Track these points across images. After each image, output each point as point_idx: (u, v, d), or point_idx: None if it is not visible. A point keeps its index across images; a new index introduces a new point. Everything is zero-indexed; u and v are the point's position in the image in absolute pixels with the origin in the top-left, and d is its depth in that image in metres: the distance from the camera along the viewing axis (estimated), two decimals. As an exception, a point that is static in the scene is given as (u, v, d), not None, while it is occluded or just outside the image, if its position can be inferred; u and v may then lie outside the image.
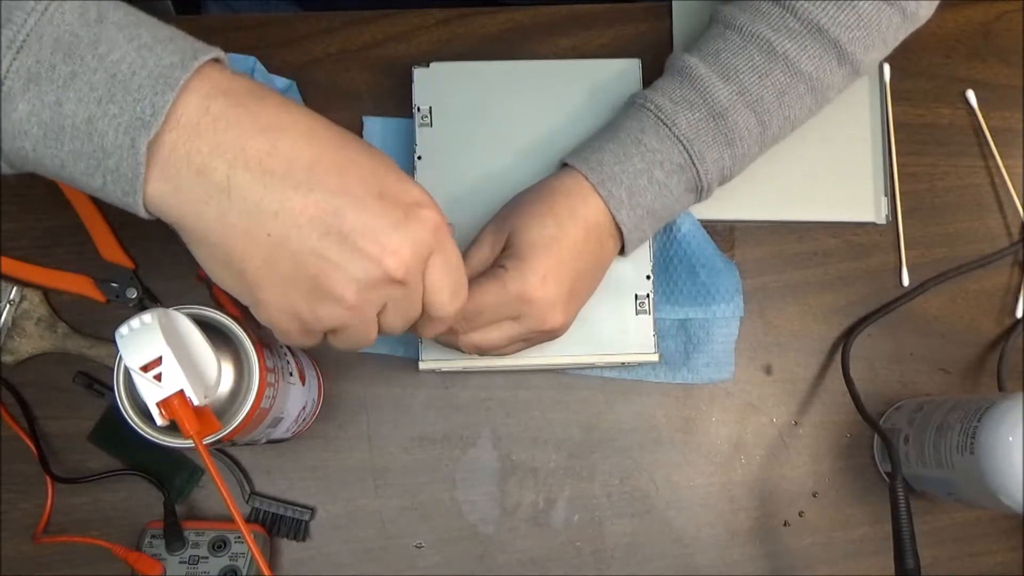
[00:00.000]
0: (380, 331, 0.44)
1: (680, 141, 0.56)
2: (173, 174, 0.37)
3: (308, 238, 0.39)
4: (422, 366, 0.61)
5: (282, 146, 0.38)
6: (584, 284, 0.57)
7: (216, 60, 0.39)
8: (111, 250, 0.65)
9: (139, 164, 0.36)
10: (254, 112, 0.38)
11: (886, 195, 0.66)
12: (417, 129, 0.63)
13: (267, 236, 0.38)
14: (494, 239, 0.57)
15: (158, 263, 0.65)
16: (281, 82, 0.65)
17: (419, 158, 0.63)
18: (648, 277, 0.62)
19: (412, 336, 0.63)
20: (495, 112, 0.64)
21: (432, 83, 0.64)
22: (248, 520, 0.63)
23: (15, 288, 0.64)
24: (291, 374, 0.56)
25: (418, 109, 0.64)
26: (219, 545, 0.61)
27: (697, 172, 0.57)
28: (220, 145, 0.37)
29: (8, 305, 0.64)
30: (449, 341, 0.56)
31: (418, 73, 0.64)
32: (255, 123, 0.38)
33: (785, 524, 0.66)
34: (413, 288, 0.42)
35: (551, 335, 0.57)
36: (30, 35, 0.35)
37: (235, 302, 0.60)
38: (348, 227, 0.39)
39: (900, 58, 0.69)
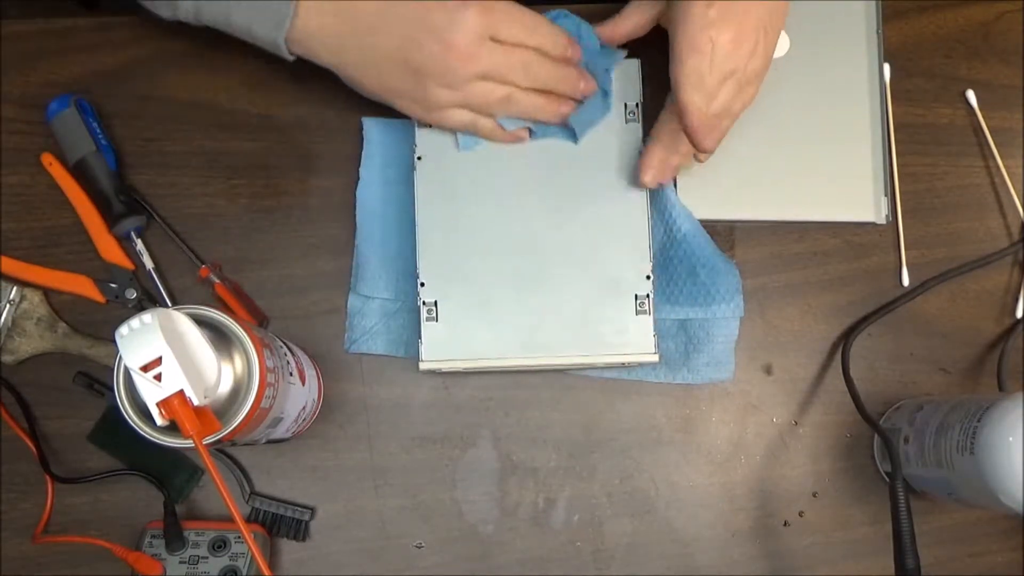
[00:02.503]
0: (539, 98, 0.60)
1: None
2: (309, 43, 0.56)
3: (403, 59, 0.56)
4: (422, 366, 0.61)
5: (360, 5, 0.55)
6: None
7: None
8: (111, 250, 0.65)
9: (281, 49, 0.56)
10: None
11: (886, 195, 0.66)
12: (417, 129, 0.63)
13: (377, 66, 0.56)
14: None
15: (158, 263, 0.65)
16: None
17: (419, 158, 0.62)
18: (648, 277, 0.62)
19: (412, 336, 0.63)
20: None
21: None
22: (248, 520, 0.63)
23: (15, 288, 0.64)
24: (291, 374, 0.56)
25: None
26: (219, 545, 0.61)
27: None
28: (325, 21, 0.54)
29: (8, 305, 0.64)
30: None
31: None
32: None
33: (785, 524, 0.66)
34: (488, 59, 0.56)
35: (748, 63, 0.56)
36: None
37: (236, 301, 0.60)
38: (421, 41, 0.55)
39: (900, 58, 0.69)
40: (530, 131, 0.62)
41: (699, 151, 0.60)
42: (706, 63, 0.54)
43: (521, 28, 0.57)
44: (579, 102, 0.62)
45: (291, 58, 0.57)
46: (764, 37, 0.57)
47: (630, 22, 0.62)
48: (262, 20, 0.55)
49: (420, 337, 0.61)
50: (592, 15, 0.66)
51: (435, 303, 0.61)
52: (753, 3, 0.55)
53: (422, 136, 0.63)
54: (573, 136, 0.62)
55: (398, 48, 0.55)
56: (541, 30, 0.58)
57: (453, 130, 0.61)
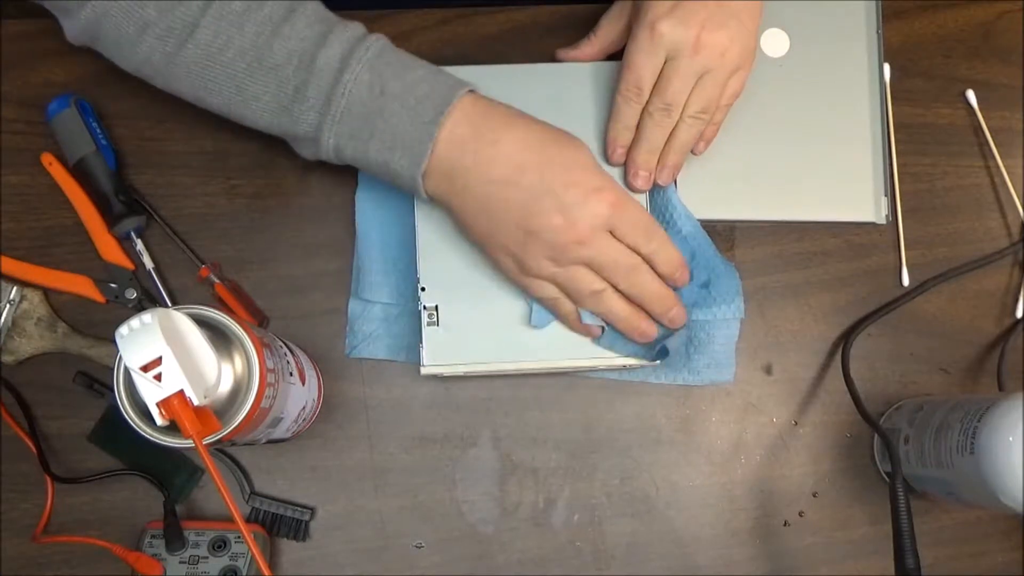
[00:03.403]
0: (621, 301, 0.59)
1: None
2: (436, 178, 0.56)
3: (521, 217, 0.55)
4: (424, 371, 0.61)
5: (498, 154, 0.55)
6: None
7: (470, 91, 0.56)
8: (111, 250, 0.65)
9: (418, 185, 0.56)
10: (481, 130, 0.55)
11: (886, 195, 0.66)
12: None
13: (494, 216, 0.56)
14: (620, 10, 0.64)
15: (158, 263, 0.65)
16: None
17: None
18: (648, 277, 0.62)
19: (414, 341, 0.63)
20: None
21: None
22: (248, 520, 0.63)
23: (15, 288, 0.64)
24: (291, 374, 0.56)
25: None
26: (219, 545, 0.61)
27: None
28: (460, 158, 0.55)
29: (8, 305, 0.64)
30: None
31: None
32: (483, 139, 0.55)
33: (785, 524, 0.66)
34: (600, 247, 0.56)
35: (723, 58, 0.58)
36: (343, 112, 0.54)
37: (236, 301, 0.60)
38: (545, 209, 0.55)
39: (900, 58, 0.69)
40: (602, 329, 0.61)
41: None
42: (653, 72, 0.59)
43: (641, 233, 0.57)
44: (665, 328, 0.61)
45: (426, 198, 0.57)
46: (738, 26, 0.58)
47: (605, 39, 0.64)
48: (401, 156, 0.55)
49: (421, 342, 0.61)
50: (592, 15, 0.66)
51: (436, 308, 0.61)
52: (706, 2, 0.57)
53: None
54: (639, 352, 0.61)
55: (523, 207, 0.55)
56: (658, 240, 0.58)
57: (537, 299, 0.60)
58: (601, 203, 0.55)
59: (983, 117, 0.69)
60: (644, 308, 0.59)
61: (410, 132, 0.54)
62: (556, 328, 0.61)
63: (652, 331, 0.60)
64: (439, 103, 0.54)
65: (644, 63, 0.58)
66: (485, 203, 0.56)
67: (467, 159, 0.55)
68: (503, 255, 0.58)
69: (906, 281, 0.68)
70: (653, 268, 0.59)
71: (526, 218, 0.55)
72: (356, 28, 0.56)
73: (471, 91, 0.56)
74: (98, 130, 0.64)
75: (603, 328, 0.60)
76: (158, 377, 0.45)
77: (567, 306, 0.59)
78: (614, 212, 0.56)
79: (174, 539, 0.60)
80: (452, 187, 0.56)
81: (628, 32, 0.62)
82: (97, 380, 0.64)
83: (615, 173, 0.63)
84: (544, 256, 0.56)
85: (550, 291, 0.59)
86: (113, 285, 0.65)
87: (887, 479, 0.64)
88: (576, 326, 0.60)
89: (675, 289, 0.65)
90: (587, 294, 0.58)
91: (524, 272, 0.58)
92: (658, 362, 0.61)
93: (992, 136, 0.69)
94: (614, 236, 0.57)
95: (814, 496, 0.66)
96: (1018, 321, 0.68)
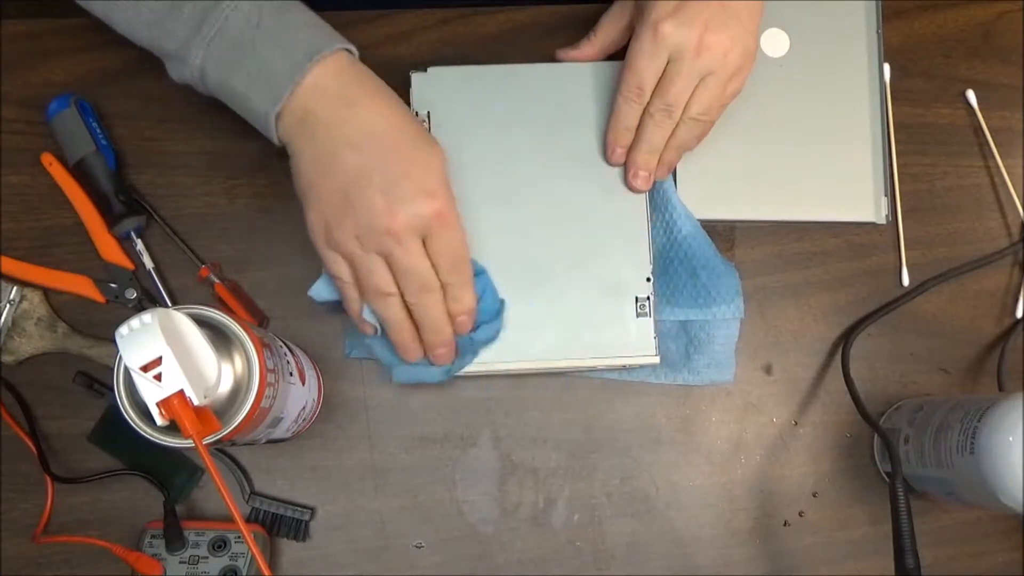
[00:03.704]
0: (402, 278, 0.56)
1: None
2: (289, 121, 0.55)
3: (347, 182, 0.54)
4: None
5: (354, 117, 0.54)
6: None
7: (349, 51, 0.55)
8: (111, 250, 0.65)
9: (270, 124, 0.55)
10: (347, 88, 0.54)
11: (886, 195, 0.66)
12: None
13: (326, 170, 0.55)
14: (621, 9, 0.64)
15: (158, 263, 0.65)
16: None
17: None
18: (648, 280, 0.62)
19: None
20: (495, 116, 0.64)
21: (430, 88, 0.64)
22: (248, 520, 0.63)
23: (15, 288, 0.64)
24: (291, 374, 0.56)
25: (416, 114, 0.64)
26: (219, 545, 0.61)
27: None
28: (317, 109, 0.54)
29: (8, 305, 0.64)
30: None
31: (416, 78, 0.64)
32: (345, 96, 0.54)
33: (785, 524, 0.66)
34: (407, 248, 0.54)
35: (725, 59, 0.58)
36: (215, 35, 0.54)
37: (236, 301, 0.60)
38: (373, 184, 0.53)
39: (900, 58, 0.69)
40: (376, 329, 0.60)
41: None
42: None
43: (450, 259, 0.56)
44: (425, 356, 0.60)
45: (276, 140, 0.56)
46: (739, 26, 0.58)
47: (605, 39, 0.64)
48: (261, 91, 0.54)
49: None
50: (592, 15, 0.66)
51: None
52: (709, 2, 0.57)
53: None
54: (390, 366, 0.60)
55: (354, 173, 0.54)
56: (462, 277, 0.57)
57: (329, 275, 0.59)
58: (427, 206, 0.54)
59: (983, 117, 0.69)
60: (420, 331, 0.58)
61: (276, 69, 0.53)
62: (556, 328, 0.61)
63: (416, 355, 0.59)
64: (312, 49, 0.54)
65: (646, 64, 0.58)
66: (322, 159, 0.55)
67: (323, 111, 0.54)
68: (316, 214, 0.56)
69: (906, 281, 0.68)
70: (445, 298, 0.57)
71: (352, 187, 0.54)
72: None
73: (350, 52, 0.56)
74: (98, 130, 0.64)
75: (376, 329, 0.60)
76: (158, 377, 0.45)
77: (353, 293, 0.58)
78: (435, 223, 0.55)
79: (174, 539, 0.60)
80: (300, 132, 0.55)
81: (628, 32, 0.62)
82: (97, 380, 0.64)
83: (615, 173, 0.63)
84: (352, 232, 0.55)
85: (344, 272, 0.57)
86: (113, 285, 0.65)
87: (887, 479, 0.64)
88: (355, 316, 0.59)
89: (675, 291, 0.65)
90: (375, 291, 0.56)
91: (328, 242, 0.56)
92: (658, 360, 0.61)
93: (992, 136, 0.69)
94: (425, 247, 0.55)
95: (814, 496, 0.66)
96: (1018, 321, 0.68)
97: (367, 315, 0.59)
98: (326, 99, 0.54)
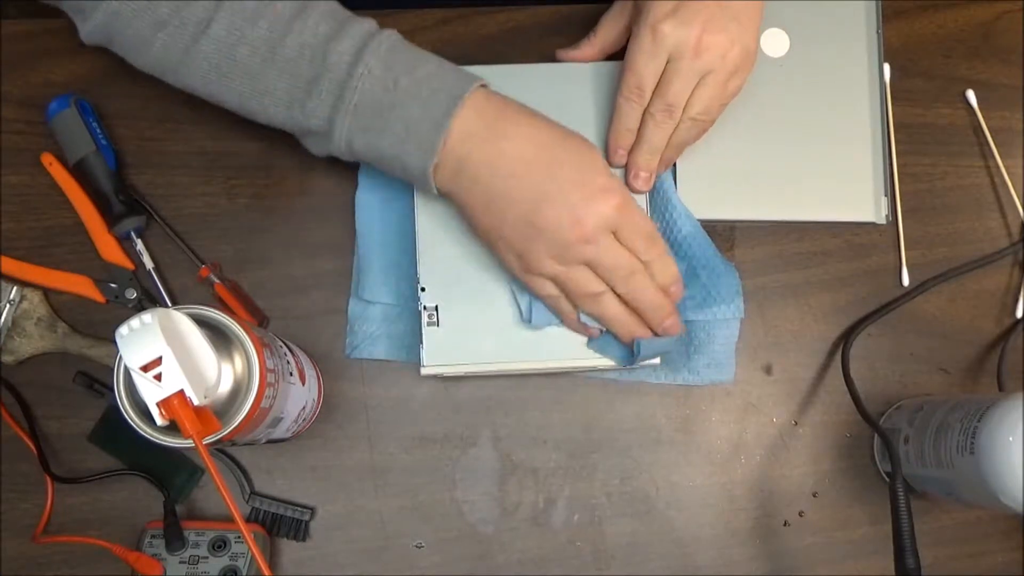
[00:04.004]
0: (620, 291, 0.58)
1: None
2: (446, 172, 0.56)
3: (525, 211, 0.55)
4: (424, 371, 0.61)
5: (508, 149, 0.55)
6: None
7: (482, 86, 0.56)
8: (111, 250, 0.65)
9: (428, 178, 0.56)
10: (492, 125, 0.55)
11: (886, 195, 0.66)
12: None
13: (500, 208, 0.56)
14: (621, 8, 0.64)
15: (158, 263, 0.65)
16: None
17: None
18: (648, 278, 0.62)
19: (414, 341, 0.63)
20: None
21: None
22: (248, 520, 0.63)
23: (15, 288, 0.64)
24: (291, 374, 0.56)
25: None
26: (219, 545, 0.61)
27: None
28: (471, 152, 0.55)
29: (8, 305, 0.64)
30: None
31: None
32: (493, 133, 0.55)
33: (785, 524, 0.66)
34: (605, 248, 0.56)
35: (725, 59, 0.58)
36: (355, 107, 0.55)
37: (236, 301, 0.60)
38: (551, 203, 0.55)
39: (900, 58, 0.69)
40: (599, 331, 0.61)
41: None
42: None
43: (644, 239, 0.58)
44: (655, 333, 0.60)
45: (435, 192, 0.57)
46: (738, 26, 0.58)
47: (605, 39, 0.64)
48: (413, 149, 0.55)
49: (421, 342, 0.61)
50: (593, 15, 0.66)
51: (436, 308, 0.61)
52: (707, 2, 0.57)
53: None
54: (629, 359, 0.61)
55: (530, 203, 0.55)
56: (658, 250, 0.59)
57: (538, 297, 0.60)
58: (607, 204, 0.56)
59: (983, 117, 0.69)
60: (640, 315, 0.59)
61: (422, 126, 0.54)
62: (556, 328, 0.61)
63: (644, 335, 0.60)
64: (451, 97, 0.54)
65: (646, 64, 0.58)
66: (492, 198, 0.56)
67: (477, 153, 0.55)
68: (507, 251, 0.58)
69: (906, 281, 0.68)
70: (652, 275, 0.59)
71: (532, 214, 0.55)
72: (368, 23, 0.56)
73: (483, 86, 0.57)
74: (98, 130, 0.64)
75: (600, 330, 0.60)
76: (158, 377, 0.45)
77: (566, 305, 0.59)
78: (619, 214, 0.56)
79: (174, 539, 0.60)
80: (461, 181, 0.56)
81: (628, 32, 0.62)
82: (97, 380, 0.64)
83: (617, 174, 0.63)
84: (548, 254, 0.56)
85: (551, 289, 0.59)
86: (113, 285, 0.65)
87: (887, 479, 0.64)
88: (574, 326, 0.60)
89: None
90: (586, 295, 0.58)
91: (527, 269, 0.58)
92: (658, 360, 0.61)
93: (992, 136, 0.69)
94: (617, 239, 0.57)
95: (814, 496, 0.66)
96: (1018, 321, 0.68)
97: (585, 319, 0.60)
98: (475, 141, 0.55)
